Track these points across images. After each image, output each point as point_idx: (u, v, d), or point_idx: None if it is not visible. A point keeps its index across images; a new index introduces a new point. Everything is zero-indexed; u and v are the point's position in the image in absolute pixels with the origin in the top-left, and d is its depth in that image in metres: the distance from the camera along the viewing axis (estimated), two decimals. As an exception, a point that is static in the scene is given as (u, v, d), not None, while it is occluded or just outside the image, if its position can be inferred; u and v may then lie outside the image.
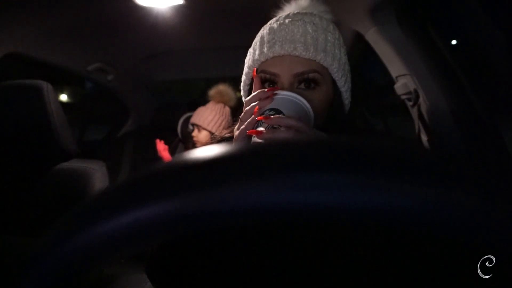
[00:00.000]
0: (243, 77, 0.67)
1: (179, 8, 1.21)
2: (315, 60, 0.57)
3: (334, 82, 0.61)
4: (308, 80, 0.57)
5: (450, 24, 1.03)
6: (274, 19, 0.63)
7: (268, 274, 0.57)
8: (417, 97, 1.05)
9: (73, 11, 1.15)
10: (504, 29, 0.76)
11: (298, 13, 0.62)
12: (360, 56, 1.52)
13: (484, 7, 0.79)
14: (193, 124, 1.65)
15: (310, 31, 0.58)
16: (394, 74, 1.16)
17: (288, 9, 0.66)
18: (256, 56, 0.60)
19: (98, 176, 1.01)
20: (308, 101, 0.55)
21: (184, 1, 1.15)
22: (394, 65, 1.13)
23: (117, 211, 0.17)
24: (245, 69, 0.65)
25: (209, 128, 1.59)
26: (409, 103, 1.13)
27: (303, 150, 0.16)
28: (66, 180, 0.97)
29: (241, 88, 0.68)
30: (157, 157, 1.64)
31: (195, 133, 1.63)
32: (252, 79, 0.63)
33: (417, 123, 1.09)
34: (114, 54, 1.68)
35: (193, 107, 1.74)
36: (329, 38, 0.59)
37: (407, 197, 0.15)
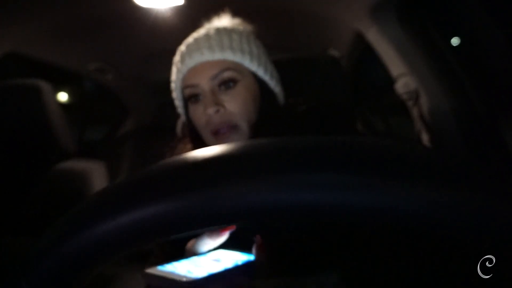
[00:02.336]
0: (176, 105, 0.71)
1: (179, 8, 1.20)
2: (225, 59, 0.60)
3: (254, 74, 0.64)
4: (226, 81, 0.60)
5: (451, 23, 1.03)
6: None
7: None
8: (418, 96, 1.05)
9: (73, 10, 1.14)
10: (505, 29, 0.76)
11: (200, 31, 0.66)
12: (360, 56, 1.51)
13: (485, 7, 0.79)
14: None
15: (213, 34, 0.62)
16: (394, 73, 1.16)
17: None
18: (175, 77, 0.65)
19: (98, 176, 1.01)
20: (232, 99, 0.60)
21: (184, 1, 1.14)
22: (395, 65, 1.13)
23: (115, 212, 0.17)
24: (174, 96, 0.70)
25: None
26: (410, 103, 1.13)
27: (305, 151, 0.16)
28: (66, 180, 0.97)
29: (179, 112, 0.72)
30: (157, 157, 1.63)
31: None
32: (185, 99, 0.66)
33: (418, 123, 1.09)
34: (114, 53, 1.68)
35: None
36: (234, 37, 0.62)
37: (407, 197, 0.15)
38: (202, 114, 0.61)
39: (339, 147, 0.16)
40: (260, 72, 0.64)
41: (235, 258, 0.46)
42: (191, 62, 0.61)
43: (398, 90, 1.17)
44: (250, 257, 0.45)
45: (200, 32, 0.65)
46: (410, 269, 0.52)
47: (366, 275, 0.52)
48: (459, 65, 0.98)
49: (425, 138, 1.09)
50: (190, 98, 0.63)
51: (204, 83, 0.60)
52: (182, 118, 1.45)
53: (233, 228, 0.47)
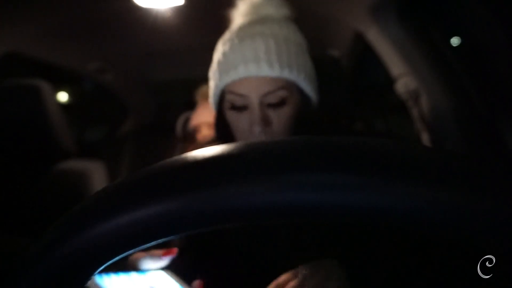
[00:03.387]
0: (211, 94, 0.66)
1: (179, 8, 1.20)
2: (281, 77, 0.57)
3: (302, 90, 0.62)
4: (277, 100, 0.58)
5: (451, 23, 1.03)
6: (233, 32, 0.62)
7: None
8: (418, 96, 1.05)
9: (73, 10, 1.14)
10: (505, 29, 0.76)
11: (256, 22, 0.61)
12: (360, 56, 1.51)
13: (486, 6, 0.78)
14: (196, 126, 1.58)
15: (273, 46, 0.57)
16: (394, 73, 1.16)
17: (242, 7, 0.65)
18: (223, 77, 0.60)
19: (98, 176, 1.01)
20: (279, 119, 0.58)
21: (184, 1, 1.14)
22: (395, 65, 1.13)
23: (115, 212, 0.17)
24: (212, 87, 0.65)
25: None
26: (410, 103, 1.13)
27: (302, 151, 0.16)
28: (65, 180, 0.97)
29: (211, 100, 0.68)
30: (156, 157, 1.61)
31: (202, 133, 1.56)
32: (221, 98, 0.63)
33: (418, 123, 1.09)
34: (113, 53, 1.68)
35: (193, 107, 1.73)
36: (291, 48, 0.59)
37: (407, 197, 0.15)
38: (244, 125, 0.59)
39: (342, 147, 0.16)
40: (308, 89, 0.62)
41: None
42: (245, 73, 0.57)
43: (398, 90, 1.17)
44: None
45: (257, 29, 0.59)
46: (411, 269, 0.52)
47: (366, 275, 0.52)
48: (459, 65, 0.98)
49: (425, 138, 1.10)
50: (233, 104, 0.60)
51: (255, 97, 0.57)
52: (182, 118, 1.43)
53: (174, 254, 0.48)
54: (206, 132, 1.55)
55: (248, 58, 0.57)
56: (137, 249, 0.18)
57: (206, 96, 1.62)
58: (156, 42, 1.60)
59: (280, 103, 0.58)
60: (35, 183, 0.96)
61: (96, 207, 0.18)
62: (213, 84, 0.64)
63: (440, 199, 0.15)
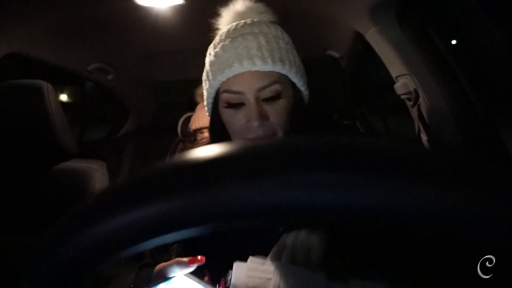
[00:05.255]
0: (205, 98, 0.68)
1: (179, 8, 1.21)
2: (274, 71, 0.59)
3: (294, 84, 0.64)
4: (272, 94, 0.59)
5: (450, 23, 1.03)
6: (223, 34, 0.64)
7: None
8: (417, 97, 1.05)
9: (73, 11, 1.15)
10: (504, 29, 0.76)
11: (244, 24, 0.63)
12: (360, 56, 1.51)
13: (484, 7, 0.79)
14: (196, 130, 1.55)
15: (263, 42, 0.59)
16: (394, 74, 1.16)
17: (227, 16, 0.67)
18: (217, 77, 0.61)
19: (98, 176, 1.01)
20: (275, 112, 0.59)
21: (184, 1, 1.15)
22: (394, 65, 1.13)
23: (116, 211, 0.17)
24: (206, 90, 0.66)
25: None
26: (409, 103, 1.13)
27: (302, 150, 0.16)
28: (66, 180, 0.97)
29: (206, 106, 0.70)
30: (157, 157, 1.62)
31: (204, 135, 1.51)
32: (215, 98, 0.65)
33: (417, 123, 1.09)
34: (114, 54, 1.68)
35: (193, 107, 1.73)
36: (281, 45, 0.61)
37: (407, 196, 0.15)
38: (241, 121, 0.60)
39: (344, 147, 0.16)
40: (300, 84, 0.64)
41: None
42: (239, 69, 0.58)
43: (397, 91, 1.17)
44: None
45: (247, 29, 0.61)
46: (411, 268, 0.52)
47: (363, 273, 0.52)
48: (458, 66, 0.98)
49: (424, 138, 1.10)
50: (229, 102, 0.61)
51: (251, 93, 0.59)
52: (183, 118, 1.43)
53: (202, 261, 0.51)
54: (207, 135, 1.51)
55: (241, 55, 0.58)
56: (135, 248, 0.18)
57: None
58: (156, 42, 1.60)
59: (275, 97, 0.60)
60: (37, 182, 0.97)
61: (100, 205, 0.18)
62: (207, 85, 0.65)
63: (440, 199, 0.15)
